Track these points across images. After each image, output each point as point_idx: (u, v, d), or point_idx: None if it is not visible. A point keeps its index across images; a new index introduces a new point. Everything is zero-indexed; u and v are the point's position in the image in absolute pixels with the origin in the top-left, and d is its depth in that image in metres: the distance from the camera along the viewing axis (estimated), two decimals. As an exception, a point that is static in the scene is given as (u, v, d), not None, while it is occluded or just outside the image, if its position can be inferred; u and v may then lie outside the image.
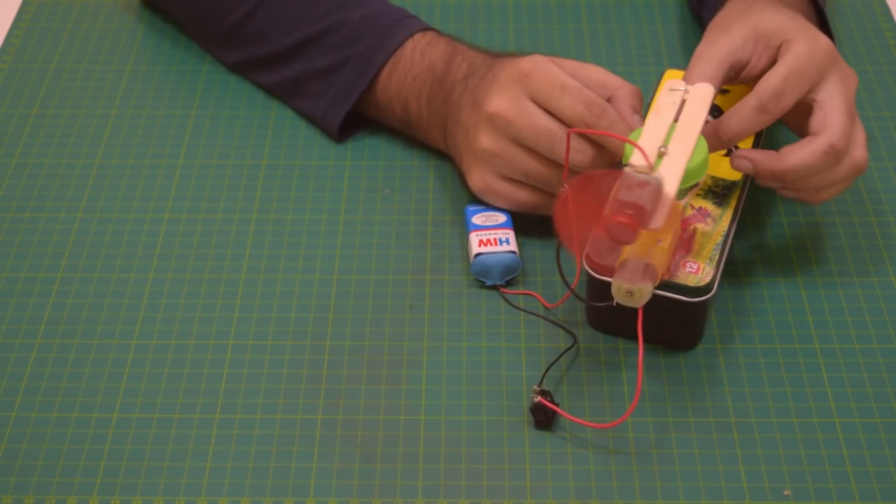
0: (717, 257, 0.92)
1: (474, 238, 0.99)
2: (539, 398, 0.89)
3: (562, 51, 1.19)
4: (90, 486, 0.86)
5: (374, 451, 0.88)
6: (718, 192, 0.97)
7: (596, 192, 0.86)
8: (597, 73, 0.99)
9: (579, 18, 1.24)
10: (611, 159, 0.97)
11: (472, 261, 0.98)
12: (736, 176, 0.98)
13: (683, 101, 0.91)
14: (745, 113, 0.92)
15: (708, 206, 0.96)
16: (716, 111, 1.00)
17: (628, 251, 0.88)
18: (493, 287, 0.98)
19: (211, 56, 1.19)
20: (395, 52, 1.06)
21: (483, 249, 0.98)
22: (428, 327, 0.95)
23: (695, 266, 0.92)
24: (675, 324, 0.93)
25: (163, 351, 0.95)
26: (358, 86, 1.07)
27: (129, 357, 0.94)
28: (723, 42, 0.95)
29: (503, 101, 0.97)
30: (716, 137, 0.93)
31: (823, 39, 0.94)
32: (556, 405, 0.89)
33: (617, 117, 0.96)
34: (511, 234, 0.99)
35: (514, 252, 0.98)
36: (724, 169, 0.98)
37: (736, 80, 0.97)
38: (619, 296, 0.87)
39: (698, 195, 0.97)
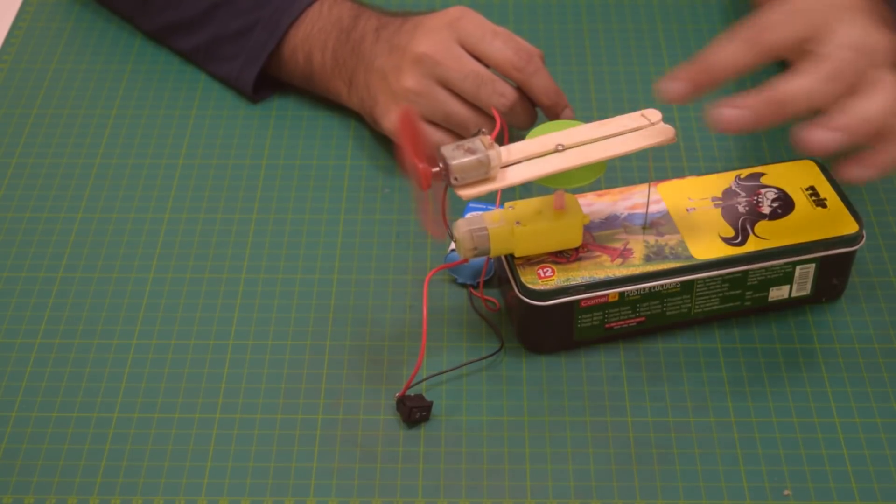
0: (584, 287, 0.90)
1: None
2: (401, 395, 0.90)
3: (562, 51, 1.19)
4: (90, 485, 0.86)
5: (374, 451, 0.88)
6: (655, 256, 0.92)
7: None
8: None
9: (579, 18, 1.24)
10: (530, 109, 1.03)
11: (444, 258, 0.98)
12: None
13: (637, 129, 0.89)
14: (734, 46, 0.84)
15: (638, 257, 0.92)
16: None
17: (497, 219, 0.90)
18: (464, 285, 0.99)
19: (129, 24, 1.22)
20: (302, 14, 1.09)
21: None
22: (428, 327, 0.95)
23: (550, 272, 0.91)
24: (518, 317, 0.93)
25: (163, 351, 0.95)
26: (267, 46, 1.10)
27: (129, 357, 0.94)
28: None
29: (432, 43, 1.01)
30: (702, 69, 0.84)
31: None
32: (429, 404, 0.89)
33: (542, 65, 1.01)
34: None
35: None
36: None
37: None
38: (457, 234, 0.90)
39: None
